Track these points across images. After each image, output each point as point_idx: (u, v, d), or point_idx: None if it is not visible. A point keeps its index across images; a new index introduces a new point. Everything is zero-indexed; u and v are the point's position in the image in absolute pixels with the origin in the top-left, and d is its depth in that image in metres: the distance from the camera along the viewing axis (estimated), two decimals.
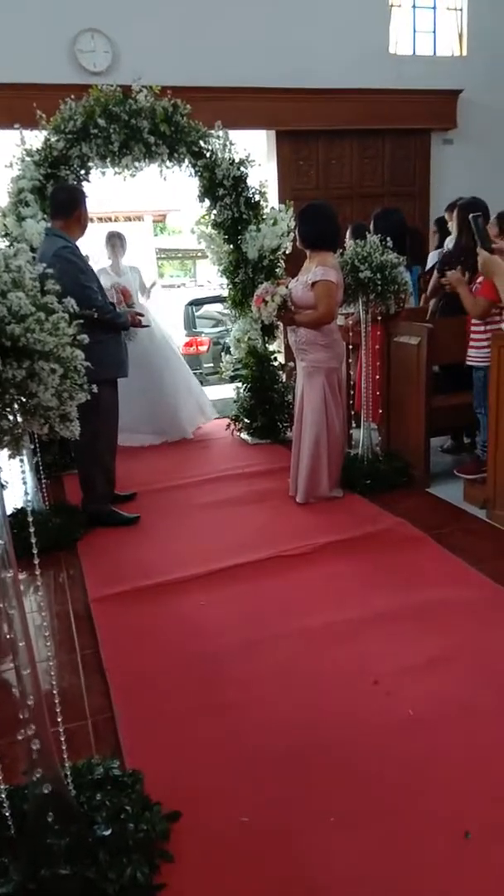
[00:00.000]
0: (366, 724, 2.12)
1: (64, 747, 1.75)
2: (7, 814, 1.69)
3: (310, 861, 1.68)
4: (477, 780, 1.88)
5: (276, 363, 5.49)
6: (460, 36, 6.93)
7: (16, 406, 1.37)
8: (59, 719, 1.76)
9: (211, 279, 11.71)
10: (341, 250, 3.95)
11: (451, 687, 2.27)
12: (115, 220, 11.70)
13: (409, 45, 6.75)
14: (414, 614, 2.73)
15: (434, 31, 6.78)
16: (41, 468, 3.69)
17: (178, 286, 17.22)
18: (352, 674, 2.37)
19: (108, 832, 1.66)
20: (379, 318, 4.14)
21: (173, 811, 1.81)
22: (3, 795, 1.70)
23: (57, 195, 3.62)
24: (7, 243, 4.40)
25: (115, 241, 5.57)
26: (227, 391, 6.17)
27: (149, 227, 13.35)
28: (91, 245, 4.62)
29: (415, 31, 6.73)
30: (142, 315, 4.03)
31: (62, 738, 1.74)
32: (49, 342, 1.35)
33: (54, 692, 1.77)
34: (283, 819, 1.80)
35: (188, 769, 2.00)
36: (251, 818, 1.81)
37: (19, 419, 1.38)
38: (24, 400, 1.37)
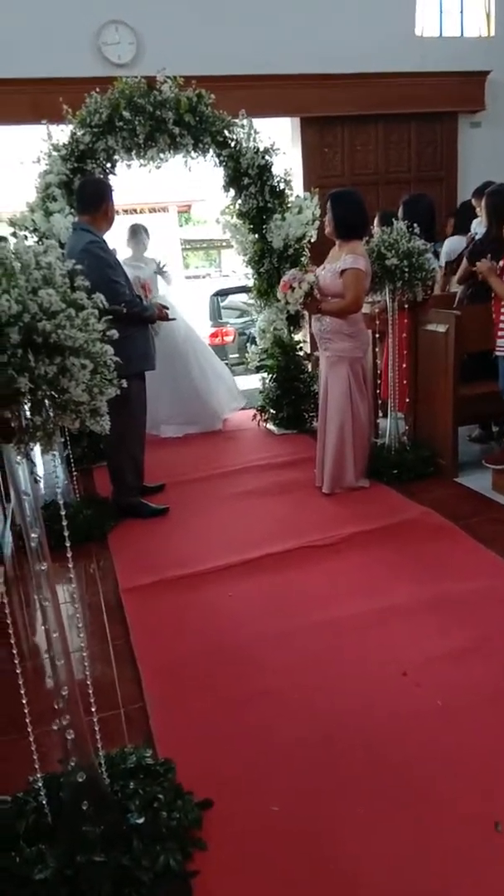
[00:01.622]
0: (395, 715, 2.12)
1: (98, 736, 1.78)
2: (44, 801, 1.73)
3: (339, 851, 1.69)
4: None
5: (301, 353, 5.47)
6: (488, 16, 6.79)
7: (47, 402, 1.39)
8: (93, 709, 1.79)
9: (236, 269, 11.71)
10: (367, 238, 3.91)
11: (481, 678, 2.26)
12: (140, 212, 11.73)
13: (436, 27, 6.63)
14: (442, 605, 2.72)
15: (461, 12, 6.64)
16: (71, 461, 3.74)
17: (203, 276, 17.20)
18: (381, 665, 2.37)
19: (141, 820, 1.69)
20: (406, 305, 4.10)
21: (205, 799, 1.84)
22: (41, 784, 1.75)
23: (83, 189, 3.63)
24: (35, 238, 4.46)
25: (140, 234, 5.50)
26: (253, 381, 6.17)
27: (174, 217, 13.36)
28: (115, 238, 4.66)
29: (441, 12, 6.60)
30: (167, 308, 4.05)
31: (96, 728, 1.77)
32: (79, 338, 1.36)
33: (88, 682, 1.79)
34: (312, 809, 1.82)
35: (219, 758, 2.03)
36: (281, 807, 1.82)
37: (51, 414, 1.40)
38: (55, 395, 1.39)
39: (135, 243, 5.50)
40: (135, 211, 11.23)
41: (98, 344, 1.40)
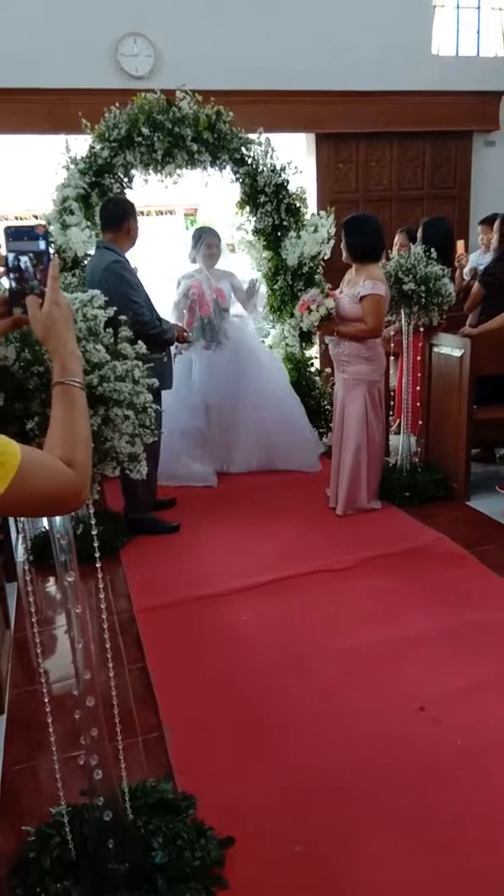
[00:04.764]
0: (414, 752, 2.13)
1: (123, 772, 1.79)
2: (69, 836, 1.74)
3: (363, 893, 1.70)
4: None
5: (312, 368, 5.49)
6: None
7: None
8: (118, 737, 1.80)
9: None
10: (384, 262, 3.93)
11: (499, 714, 2.28)
12: (147, 214, 11.74)
13: (453, 47, 6.65)
14: (458, 636, 2.73)
15: (478, 32, 6.67)
16: None
17: None
18: (397, 699, 2.38)
19: (166, 860, 1.70)
20: (421, 329, 4.13)
21: (226, 837, 1.85)
22: (64, 816, 1.76)
23: (106, 207, 3.66)
24: (53, 250, 4.47)
25: (206, 240, 4.64)
26: None
27: (180, 220, 13.37)
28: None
29: (458, 31, 6.63)
30: (187, 332, 4.05)
31: (122, 764, 1.78)
32: (124, 390, 1.38)
33: (114, 707, 1.79)
34: (334, 850, 1.83)
35: (238, 792, 2.04)
36: (303, 847, 1.83)
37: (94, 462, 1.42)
38: (96, 446, 1.40)
39: (203, 254, 4.63)
40: (142, 213, 11.24)
41: (142, 396, 1.42)
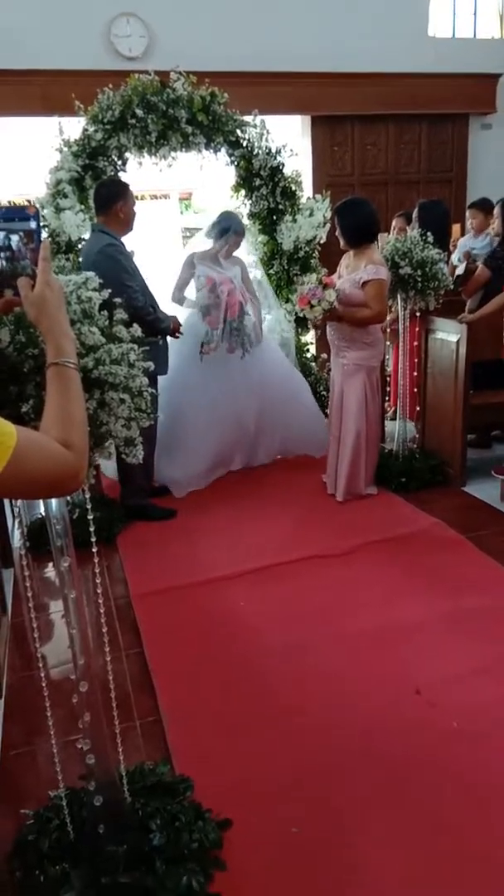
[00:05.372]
0: (411, 735, 2.15)
1: (121, 756, 1.79)
2: (67, 819, 1.75)
3: (360, 876, 1.72)
4: None
5: (308, 354, 5.47)
6: (501, 18, 6.75)
7: None
8: (115, 721, 1.80)
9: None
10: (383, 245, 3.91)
11: (496, 699, 2.29)
12: (142, 199, 11.64)
13: (449, 28, 6.59)
14: (454, 621, 2.74)
15: (475, 14, 6.60)
16: None
17: None
18: (394, 682, 2.39)
19: (163, 841, 1.71)
20: (417, 313, 4.11)
21: (224, 819, 1.86)
22: (63, 799, 1.77)
23: (98, 190, 3.64)
24: (46, 234, 4.43)
25: (224, 225, 4.29)
26: None
27: (175, 205, 13.26)
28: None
29: (454, 13, 6.56)
30: (181, 325, 3.89)
31: (119, 747, 1.78)
32: (119, 374, 1.36)
33: (111, 691, 1.80)
34: (332, 831, 1.84)
35: (235, 774, 2.05)
36: (300, 829, 1.85)
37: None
38: (92, 429, 1.39)
39: (231, 244, 4.30)
40: (137, 198, 11.14)
41: (137, 379, 1.41)
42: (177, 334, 3.86)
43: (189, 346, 4.18)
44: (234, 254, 4.39)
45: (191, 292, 4.33)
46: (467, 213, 5.50)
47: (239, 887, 1.69)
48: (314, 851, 1.79)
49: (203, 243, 4.39)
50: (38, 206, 4.41)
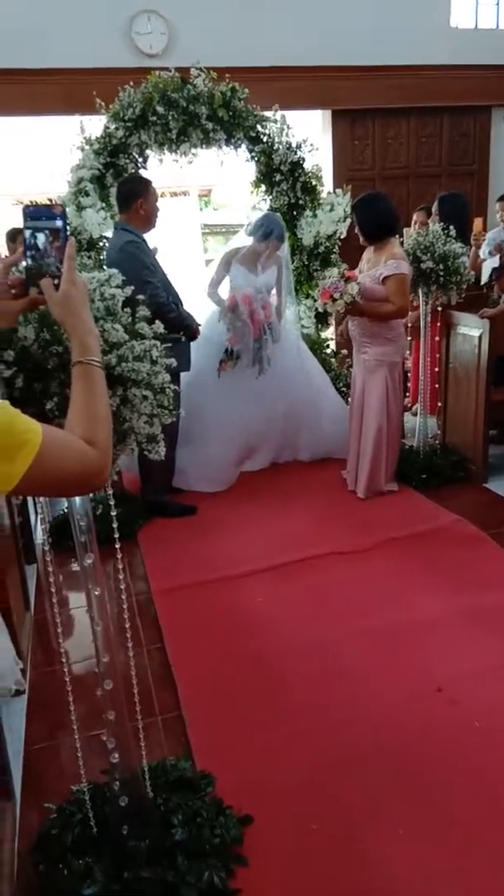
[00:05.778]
0: (432, 733, 2.13)
1: (143, 751, 1.80)
2: (90, 813, 1.76)
3: (380, 872, 1.71)
4: None
5: (328, 350, 5.44)
6: None
7: None
8: (138, 717, 1.81)
9: None
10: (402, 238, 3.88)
11: None
12: (161, 196, 11.67)
13: (471, 19, 6.50)
14: (476, 618, 2.72)
15: (497, 4, 6.51)
16: None
17: None
18: (415, 679, 2.38)
19: (185, 836, 1.72)
20: (439, 308, 4.07)
21: (245, 815, 1.86)
22: (86, 794, 1.78)
23: (119, 188, 3.65)
24: (69, 230, 4.45)
25: (279, 244, 4.25)
26: None
27: (194, 201, 13.26)
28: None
29: (477, 3, 6.47)
30: (199, 325, 3.84)
31: (142, 743, 1.79)
32: (142, 370, 1.37)
33: (134, 685, 1.81)
34: (352, 828, 1.84)
35: (255, 770, 2.05)
36: (320, 825, 1.85)
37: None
38: (115, 426, 1.40)
39: (271, 247, 4.22)
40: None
41: (160, 375, 1.41)
42: (195, 336, 3.81)
43: (214, 345, 4.18)
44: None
45: (224, 291, 4.32)
46: (496, 206, 5.43)
47: (258, 883, 1.70)
48: (334, 848, 1.78)
49: (243, 240, 4.38)
50: (63, 205, 4.44)
